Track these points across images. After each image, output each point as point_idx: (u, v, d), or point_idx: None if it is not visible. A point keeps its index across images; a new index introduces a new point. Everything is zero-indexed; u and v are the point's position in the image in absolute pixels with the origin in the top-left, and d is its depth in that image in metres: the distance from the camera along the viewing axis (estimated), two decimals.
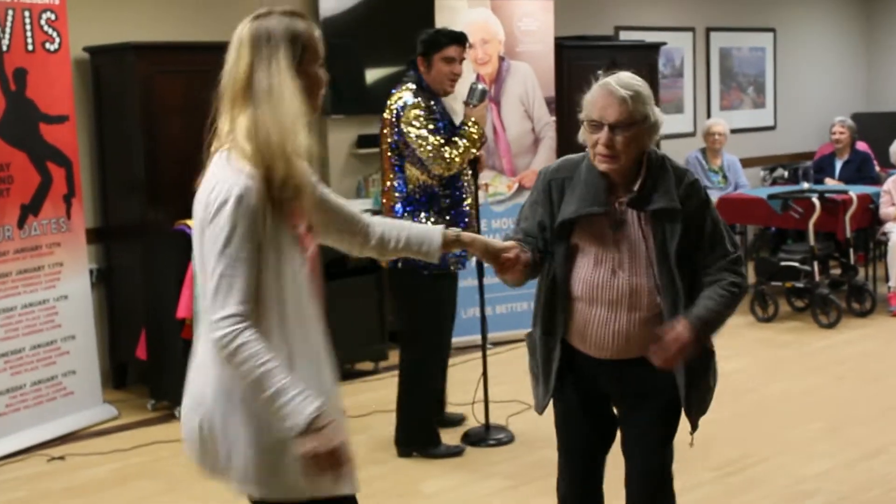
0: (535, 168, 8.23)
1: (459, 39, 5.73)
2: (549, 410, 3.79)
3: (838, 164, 10.13)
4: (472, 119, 5.65)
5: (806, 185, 9.39)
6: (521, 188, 8.24)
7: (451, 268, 5.72)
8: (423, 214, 5.59)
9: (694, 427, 3.63)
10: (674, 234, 3.40)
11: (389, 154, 5.67)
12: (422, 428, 5.84)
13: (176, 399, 6.57)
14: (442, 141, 5.52)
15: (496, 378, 6.28)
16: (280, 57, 2.78)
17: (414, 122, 5.53)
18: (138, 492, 5.43)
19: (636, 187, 3.43)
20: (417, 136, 5.51)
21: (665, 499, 3.66)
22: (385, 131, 5.68)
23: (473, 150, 5.62)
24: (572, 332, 3.57)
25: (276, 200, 2.72)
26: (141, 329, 6.86)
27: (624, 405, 3.66)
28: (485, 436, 5.99)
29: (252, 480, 2.82)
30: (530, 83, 8.29)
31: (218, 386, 2.80)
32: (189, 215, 7.02)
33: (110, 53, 7.10)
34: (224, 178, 2.72)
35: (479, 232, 5.74)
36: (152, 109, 6.92)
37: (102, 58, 7.17)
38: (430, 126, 5.54)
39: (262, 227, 2.70)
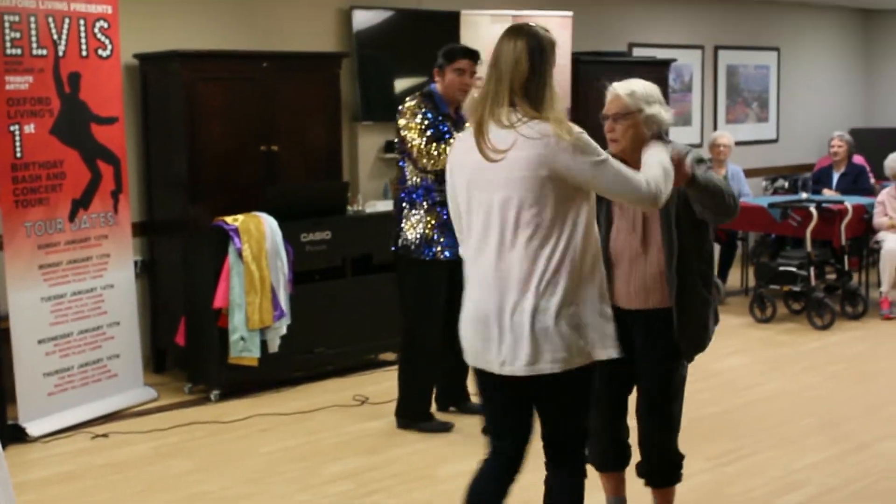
0: None
1: (470, 54, 5.88)
2: None
3: (835, 176, 10.09)
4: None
5: (804, 196, 9.36)
6: None
7: (439, 256, 5.81)
8: (417, 205, 5.80)
9: (688, 360, 4.11)
10: (673, 200, 3.86)
11: (398, 151, 5.92)
12: (415, 401, 5.99)
13: (211, 383, 6.65)
14: (427, 139, 5.68)
15: None
16: (547, 60, 3.46)
17: (408, 121, 5.73)
18: (174, 469, 5.46)
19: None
20: (407, 133, 5.73)
21: (671, 425, 4.17)
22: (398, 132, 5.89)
23: None
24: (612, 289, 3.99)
25: None
26: (180, 317, 6.89)
27: (641, 347, 4.07)
28: None
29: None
30: None
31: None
32: (227, 212, 7.12)
33: (157, 60, 7.14)
34: (553, 132, 3.33)
35: None
36: (195, 113, 6.96)
37: (150, 64, 7.21)
38: (419, 125, 5.71)
39: None
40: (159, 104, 7.17)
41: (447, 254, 5.79)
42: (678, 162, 3.70)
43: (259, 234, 6.58)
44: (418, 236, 5.79)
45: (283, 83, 7.35)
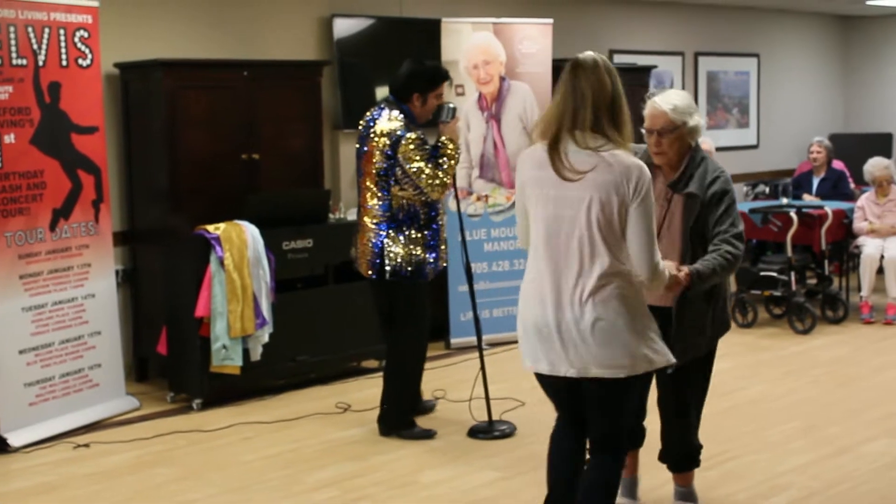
0: None
1: (448, 77, 5.99)
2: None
3: (815, 181, 10.14)
4: (447, 136, 5.83)
5: (785, 201, 9.40)
6: None
7: (430, 276, 5.91)
8: (403, 231, 5.78)
9: (679, 360, 4.17)
10: (693, 213, 4.25)
11: (377, 178, 5.79)
12: (400, 410, 6.04)
13: (193, 392, 6.63)
14: (434, 167, 5.69)
15: (491, 377, 6.27)
16: (621, 88, 3.72)
17: (413, 155, 5.69)
18: (157, 478, 5.43)
19: (677, 175, 4.30)
20: (418, 169, 5.68)
21: (687, 416, 4.53)
22: (374, 157, 5.78)
23: (452, 163, 5.79)
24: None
25: None
26: (162, 326, 6.87)
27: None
28: (489, 429, 6.00)
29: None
30: (529, 102, 8.30)
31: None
32: (208, 221, 7.10)
33: (138, 69, 7.12)
34: (637, 165, 3.66)
35: (445, 242, 6.01)
36: (176, 122, 6.94)
37: (131, 73, 7.19)
38: (425, 155, 5.71)
39: None
40: (140, 113, 7.15)
41: (437, 271, 5.93)
42: (681, 277, 4.06)
43: (241, 242, 6.57)
44: (412, 261, 5.78)
45: (265, 91, 7.35)
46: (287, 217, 7.02)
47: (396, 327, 5.99)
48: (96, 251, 6.49)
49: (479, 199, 8.15)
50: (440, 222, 5.91)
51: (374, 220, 5.81)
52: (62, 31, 6.22)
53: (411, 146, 5.68)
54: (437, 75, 5.91)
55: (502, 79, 8.16)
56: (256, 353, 6.69)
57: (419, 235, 5.79)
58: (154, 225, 7.14)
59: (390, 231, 5.77)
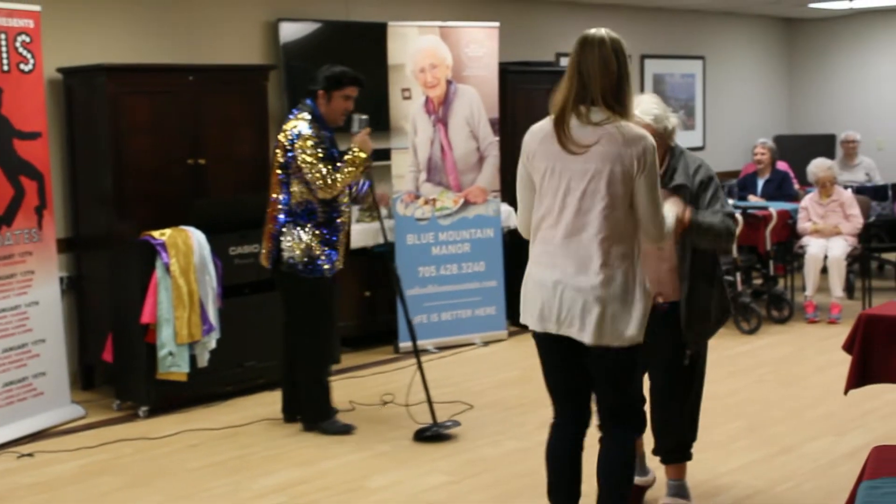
0: (480, 184, 8.28)
1: (360, 82, 6.09)
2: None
3: (760, 183, 10.24)
4: (355, 146, 5.97)
5: (730, 202, 9.44)
6: (466, 203, 8.27)
7: (326, 273, 6.01)
8: (300, 225, 5.97)
9: (690, 349, 4.59)
10: (684, 203, 4.35)
11: (279, 172, 6.00)
12: (319, 404, 6.19)
13: (139, 399, 6.58)
14: (329, 168, 5.86)
15: (441, 381, 6.30)
16: (628, 64, 3.88)
17: (307, 150, 5.87)
18: (102, 487, 5.39)
19: (661, 172, 4.27)
20: (309, 164, 5.85)
21: (679, 410, 4.71)
22: (277, 152, 6.00)
23: (353, 170, 5.92)
24: None
25: None
26: (107, 333, 6.81)
27: (652, 337, 4.22)
28: (435, 429, 6.01)
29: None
30: (476, 105, 8.32)
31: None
32: (154, 227, 7.04)
33: (81, 74, 7.05)
34: (642, 135, 3.80)
35: (349, 244, 6.29)
36: (120, 127, 6.88)
37: (74, 78, 7.13)
38: (321, 154, 5.89)
39: None
40: (84, 118, 7.09)
41: (333, 270, 6.05)
42: (683, 217, 4.27)
43: (187, 248, 6.53)
44: (306, 255, 5.94)
45: (210, 96, 7.31)
46: (233, 222, 6.99)
47: (295, 325, 6.16)
48: (40, 258, 6.42)
49: (426, 202, 8.15)
50: (341, 222, 6.07)
51: (276, 213, 6.02)
52: (3, 36, 6.15)
53: (307, 142, 5.87)
54: (345, 76, 6.03)
55: (449, 82, 8.18)
56: (203, 360, 6.65)
57: (317, 232, 5.97)
58: (99, 231, 7.08)
59: (288, 224, 5.97)
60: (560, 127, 3.82)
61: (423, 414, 6.15)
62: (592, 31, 3.92)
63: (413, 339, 6.26)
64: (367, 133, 6.03)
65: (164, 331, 6.43)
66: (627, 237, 3.86)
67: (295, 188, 5.94)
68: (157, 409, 6.60)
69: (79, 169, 7.19)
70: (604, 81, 3.78)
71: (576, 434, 4.12)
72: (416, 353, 6.24)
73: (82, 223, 7.24)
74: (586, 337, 3.86)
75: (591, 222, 3.81)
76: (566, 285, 3.86)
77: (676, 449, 4.79)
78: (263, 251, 6.14)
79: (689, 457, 4.83)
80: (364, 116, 6.09)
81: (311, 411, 6.20)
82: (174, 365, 6.49)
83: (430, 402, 6.09)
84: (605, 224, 3.80)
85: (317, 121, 5.98)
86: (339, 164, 5.91)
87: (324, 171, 5.84)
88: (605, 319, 3.84)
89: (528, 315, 4.02)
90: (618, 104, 3.79)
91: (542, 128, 3.94)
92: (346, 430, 6.15)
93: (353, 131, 6.04)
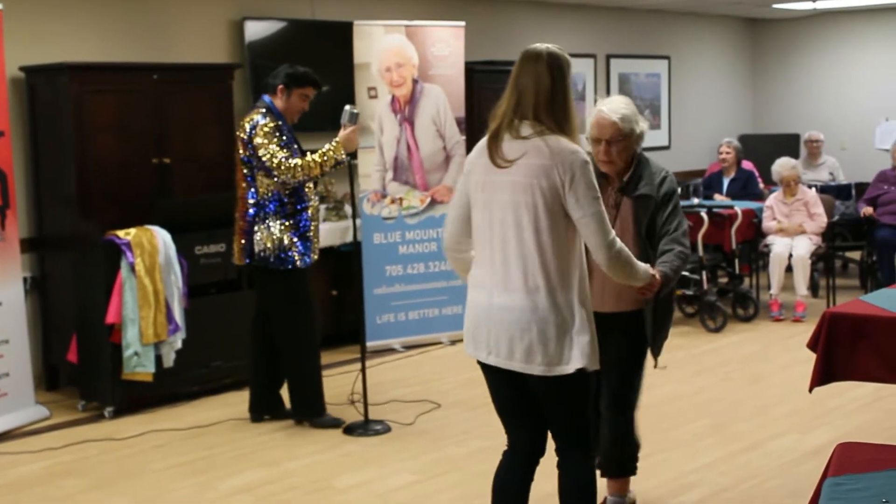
0: (446, 183, 8.29)
1: (318, 84, 6.15)
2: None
3: (725, 182, 10.30)
4: (340, 140, 5.98)
5: (696, 201, 9.53)
6: (433, 202, 8.27)
7: (298, 263, 6.03)
8: (270, 217, 5.98)
9: (655, 353, 4.52)
10: (647, 214, 4.34)
11: (243, 168, 6.04)
12: (311, 398, 6.22)
13: (105, 399, 6.54)
14: (287, 154, 5.88)
15: (407, 380, 6.31)
16: (567, 79, 3.70)
17: (264, 139, 5.89)
18: (67, 488, 5.35)
19: (626, 179, 4.37)
20: (266, 150, 5.87)
21: (632, 419, 4.58)
22: (239, 149, 6.03)
23: (319, 165, 5.91)
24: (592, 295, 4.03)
25: None
26: (72, 334, 6.77)
27: (609, 346, 4.20)
28: (364, 427, 6.09)
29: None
30: (442, 104, 8.32)
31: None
32: (118, 226, 7.00)
33: (44, 73, 7.00)
34: (571, 150, 3.61)
35: (316, 236, 6.18)
36: (84, 126, 6.84)
37: (37, 77, 7.08)
38: (276, 141, 5.91)
39: None
40: (48, 117, 7.04)
41: (306, 260, 6.06)
42: (654, 282, 4.01)
43: (152, 247, 6.50)
44: (277, 246, 5.96)
45: (175, 95, 7.27)
46: (199, 222, 6.96)
47: (276, 318, 6.18)
48: (2, 258, 6.36)
49: (393, 201, 8.15)
50: (310, 213, 6.08)
51: (246, 209, 6.04)
52: None
53: (265, 129, 5.90)
54: (307, 77, 6.08)
55: (415, 81, 8.18)
56: (169, 360, 6.63)
57: (286, 224, 5.98)
58: (63, 231, 7.03)
59: (257, 218, 6.00)
60: (493, 141, 3.72)
61: (395, 413, 6.15)
62: (534, 45, 3.76)
63: (362, 342, 6.36)
64: (355, 130, 6.03)
65: (129, 331, 6.40)
66: (561, 256, 3.64)
67: (260, 181, 5.95)
68: (123, 410, 6.57)
69: (42, 168, 7.14)
70: (537, 97, 3.65)
71: (526, 463, 3.89)
72: (363, 350, 6.33)
73: (46, 223, 7.19)
74: (515, 365, 3.67)
75: (516, 238, 3.64)
76: (492, 306, 3.70)
77: (628, 460, 4.65)
78: (236, 249, 6.14)
79: (634, 470, 4.70)
80: (356, 110, 6.07)
81: (299, 404, 6.25)
82: (140, 365, 6.46)
83: (365, 398, 6.19)
84: (532, 240, 3.62)
85: (272, 114, 5.99)
86: (310, 154, 5.92)
87: (280, 154, 5.84)
88: (533, 344, 3.62)
89: (466, 338, 3.84)
90: (550, 119, 3.64)
91: (482, 142, 3.83)
92: (336, 423, 6.17)
93: (342, 122, 6.01)
